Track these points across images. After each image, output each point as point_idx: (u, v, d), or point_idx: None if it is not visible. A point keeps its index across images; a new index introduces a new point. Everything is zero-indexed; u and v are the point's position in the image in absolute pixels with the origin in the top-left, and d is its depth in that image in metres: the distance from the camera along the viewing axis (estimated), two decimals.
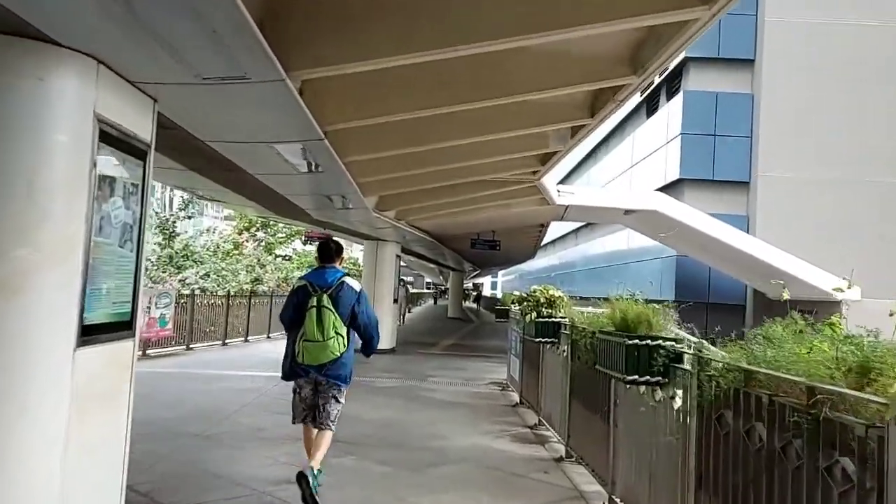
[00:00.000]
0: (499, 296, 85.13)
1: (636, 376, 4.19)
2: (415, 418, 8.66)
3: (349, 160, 7.82)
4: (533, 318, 7.38)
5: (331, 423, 5.17)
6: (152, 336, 13.55)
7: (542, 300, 7.45)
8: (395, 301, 17.43)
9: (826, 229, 19.54)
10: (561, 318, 7.49)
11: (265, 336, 18.82)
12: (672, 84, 23.08)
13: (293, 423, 5.39)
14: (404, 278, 33.92)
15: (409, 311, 44.32)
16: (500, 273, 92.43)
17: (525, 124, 7.93)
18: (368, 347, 5.42)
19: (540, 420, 8.44)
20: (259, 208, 11.55)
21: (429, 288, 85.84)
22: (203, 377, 11.21)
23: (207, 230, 29.99)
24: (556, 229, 34.38)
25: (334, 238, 6.25)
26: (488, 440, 7.61)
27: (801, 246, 16.80)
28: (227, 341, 16.65)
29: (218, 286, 24.06)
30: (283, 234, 36.57)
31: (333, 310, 5.03)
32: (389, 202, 12.53)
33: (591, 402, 6.07)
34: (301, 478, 4.74)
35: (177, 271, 22.55)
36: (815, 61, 20.59)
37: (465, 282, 56.80)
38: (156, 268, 21.87)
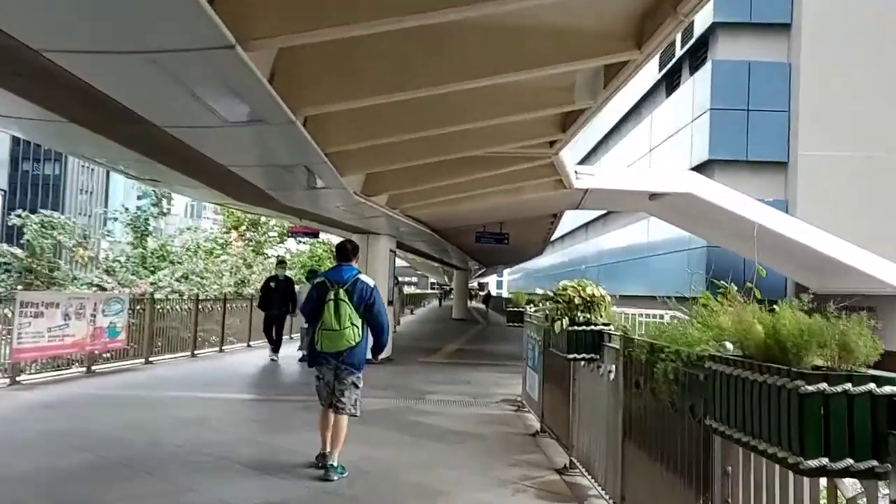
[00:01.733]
0: (505, 295, 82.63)
1: (825, 460, 2.02)
2: (404, 460, 6.51)
3: (309, 112, 5.69)
4: (564, 325, 5.22)
5: (350, 408, 5.69)
6: (98, 349, 11.42)
7: (577, 301, 5.30)
8: (390, 303, 15.27)
9: (876, 214, 17.22)
10: (603, 325, 5.34)
11: (245, 345, 16.68)
12: (696, 56, 20.69)
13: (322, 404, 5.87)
14: (400, 277, 31.67)
15: (412, 313, 42.20)
16: (506, 272, 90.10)
17: (547, 59, 5.78)
18: (378, 341, 5.79)
19: (571, 461, 6.29)
20: (204, 189, 9.34)
21: (433, 288, 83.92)
22: (148, 401, 9.09)
23: (188, 229, 27.91)
24: (563, 224, 32.16)
25: (351, 239, 6.49)
26: (505, 497, 5.45)
27: (846, 233, 14.50)
28: (196, 352, 14.51)
29: (197, 289, 22.10)
30: (276, 233, 34.67)
31: (349, 302, 5.51)
32: (378, 184, 10.42)
33: (668, 456, 3.91)
34: (320, 458, 5.71)
35: (150, 273, 20.45)
36: (861, 24, 18.20)
37: (469, 281, 54.57)
38: (125, 269, 19.76)
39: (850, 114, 18.08)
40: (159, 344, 13.39)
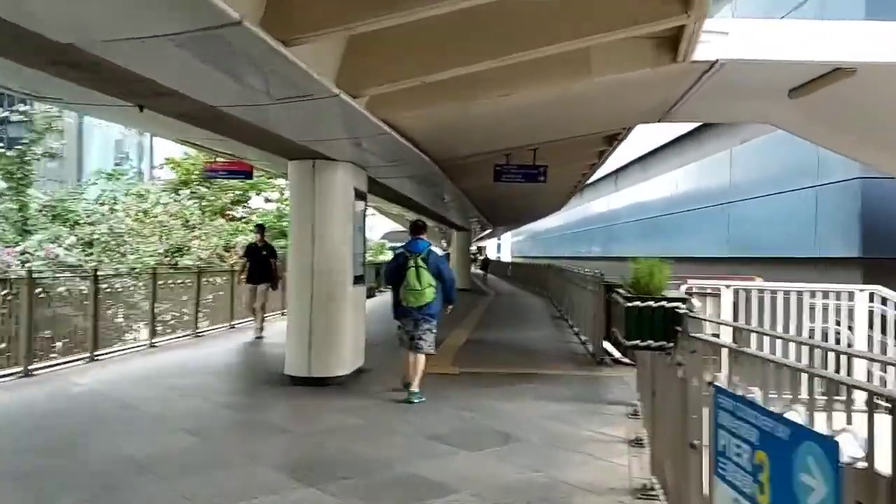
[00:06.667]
0: (505, 259, 74.33)
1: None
2: None
3: None
4: None
5: (426, 348, 7.43)
6: None
7: None
8: (357, 282, 9.08)
9: None
10: None
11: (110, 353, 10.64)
12: None
13: (402, 346, 7.63)
14: (390, 243, 25.49)
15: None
16: (505, 235, 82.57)
17: None
18: (449, 295, 7.62)
19: None
20: None
21: None
22: None
23: (110, 175, 21.93)
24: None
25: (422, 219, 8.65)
26: None
27: None
28: (32, 369, 8.51)
29: (110, 260, 16.14)
30: (240, 191, 28.60)
31: (427, 268, 7.27)
32: (317, 10, 4.32)
33: None
34: (406, 385, 7.43)
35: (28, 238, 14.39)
36: None
37: (470, 245, 48.15)
38: None
39: None
40: None
